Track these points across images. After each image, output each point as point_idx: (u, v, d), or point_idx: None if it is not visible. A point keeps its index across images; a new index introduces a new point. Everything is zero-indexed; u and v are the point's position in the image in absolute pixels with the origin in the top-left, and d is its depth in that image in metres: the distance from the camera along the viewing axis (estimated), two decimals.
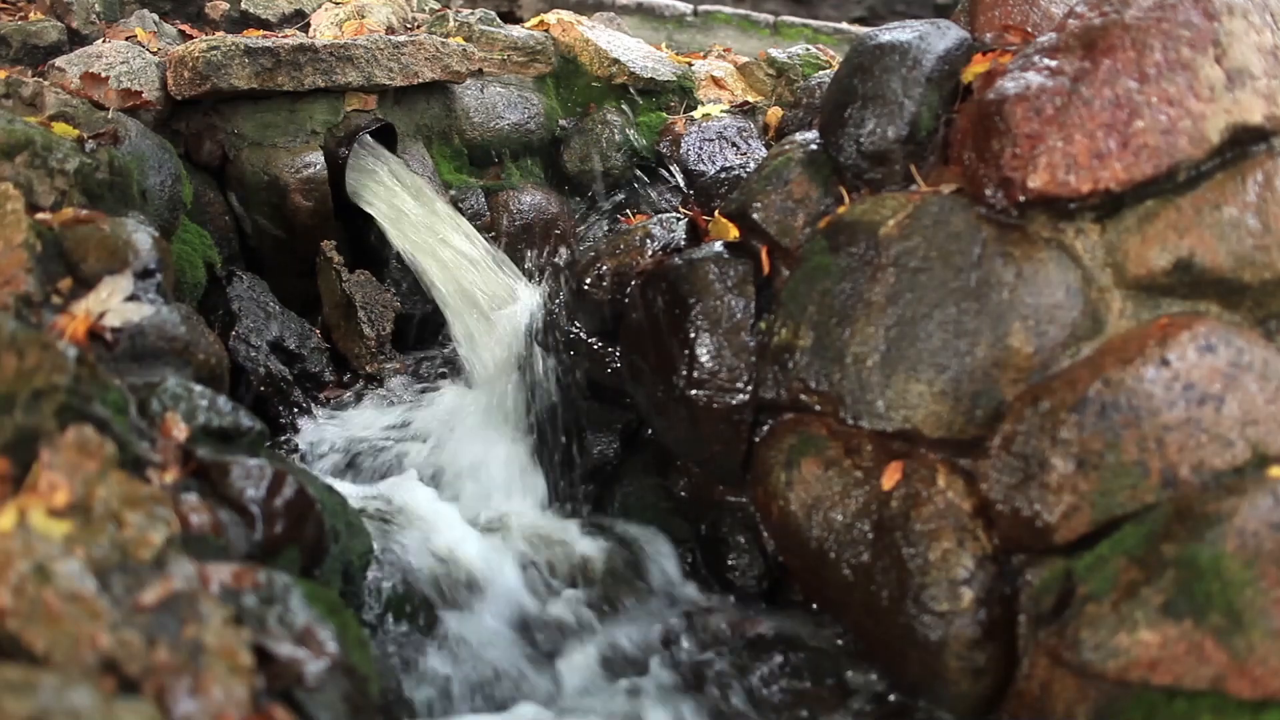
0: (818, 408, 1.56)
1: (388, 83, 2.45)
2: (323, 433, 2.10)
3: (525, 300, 2.24)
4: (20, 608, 0.88)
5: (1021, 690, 1.36)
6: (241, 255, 2.38)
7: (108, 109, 2.03)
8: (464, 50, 2.64)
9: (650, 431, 1.89)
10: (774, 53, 3.17)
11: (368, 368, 2.32)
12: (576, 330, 1.93)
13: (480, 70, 2.72)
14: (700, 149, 2.77)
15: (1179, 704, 1.17)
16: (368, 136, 2.40)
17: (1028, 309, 1.43)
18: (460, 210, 2.55)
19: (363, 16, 2.97)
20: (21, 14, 2.53)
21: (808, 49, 3.20)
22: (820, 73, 2.98)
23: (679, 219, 1.93)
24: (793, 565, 1.61)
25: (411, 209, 2.36)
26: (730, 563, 1.66)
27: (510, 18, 4.12)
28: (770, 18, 4.64)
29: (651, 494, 1.84)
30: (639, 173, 2.84)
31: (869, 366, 1.50)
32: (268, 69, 2.26)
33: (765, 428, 1.64)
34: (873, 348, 1.50)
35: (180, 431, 1.27)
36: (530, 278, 2.39)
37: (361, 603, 1.45)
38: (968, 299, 1.45)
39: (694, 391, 1.65)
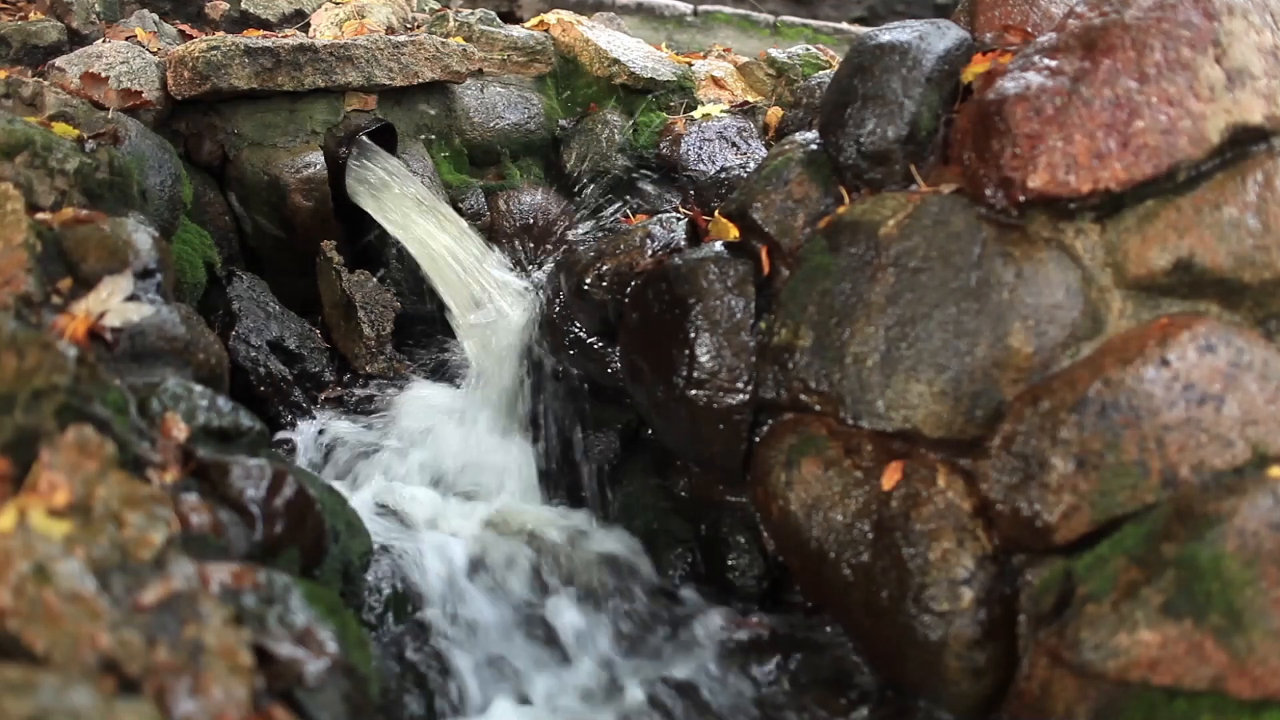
0: (818, 408, 1.56)
1: (388, 83, 2.45)
2: (322, 432, 2.10)
3: (525, 300, 2.24)
4: (20, 608, 0.88)
5: (1021, 690, 1.36)
6: (241, 255, 2.38)
7: (108, 109, 2.03)
8: (464, 50, 2.64)
9: (650, 431, 1.89)
10: (774, 53, 3.16)
11: (368, 368, 2.32)
12: (576, 330, 1.93)
13: (480, 70, 2.72)
14: (700, 149, 2.77)
15: (1179, 704, 1.17)
16: (366, 139, 2.40)
17: (1028, 309, 1.43)
18: (460, 210, 2.56)
19: (363, 16, 2.97)
20: (21, 14, 2.53)
21: (808, 49, 3.20)
22: (820, 73, 2.98)
23: (679, 219, 1.93)
24: (793, 565, 1.61)
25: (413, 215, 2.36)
26: (730, 563, 1.66)
27: (510, 18, 4.12)
28: (770, 18, 4.64)
29: (651, 494, 1.84)
30: (639, 172, 2.84)
31: (869, 366, 1.50)
32: (268, 69, 2.26)
33: (765, 428, 1.64)
34: (873, 348, 1.50)
35: (180, 431, 1.27)
36: (530, 277, 2.39)
37: (361, 603, 1.45)
38: (968, 299, 1.45)
39: (694, 391, 1.65)
